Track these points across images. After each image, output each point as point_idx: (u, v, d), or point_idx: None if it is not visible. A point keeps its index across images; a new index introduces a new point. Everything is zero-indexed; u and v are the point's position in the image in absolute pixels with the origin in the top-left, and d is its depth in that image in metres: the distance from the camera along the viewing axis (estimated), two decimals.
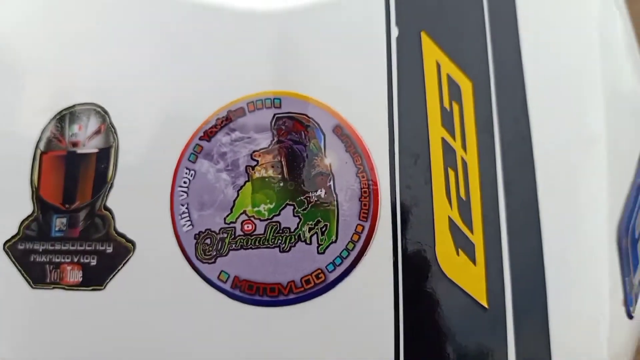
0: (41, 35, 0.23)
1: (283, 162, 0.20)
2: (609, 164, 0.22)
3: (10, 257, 0.21)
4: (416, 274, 0.20)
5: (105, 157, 0.21)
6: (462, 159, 0.21)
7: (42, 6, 0.23)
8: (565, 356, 0.20)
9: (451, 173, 0.20)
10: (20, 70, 0.23)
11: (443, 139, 0.21)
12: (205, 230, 0.20)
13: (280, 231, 0.19)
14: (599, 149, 0.22)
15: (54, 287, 0.21)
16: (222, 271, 0.19)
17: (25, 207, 0.22)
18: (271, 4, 0.21)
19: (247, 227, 0.20)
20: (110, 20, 0.22)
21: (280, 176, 0.20)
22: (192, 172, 0.20)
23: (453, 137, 0.21)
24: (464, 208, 0.20)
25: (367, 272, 0.19)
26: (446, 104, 0.21)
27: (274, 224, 0.20)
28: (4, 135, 0.22)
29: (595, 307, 0.21)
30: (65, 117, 0.22)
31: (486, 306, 0.20)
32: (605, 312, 0.21)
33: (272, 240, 0.19)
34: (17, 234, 0.22)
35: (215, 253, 0.20)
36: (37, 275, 0.21)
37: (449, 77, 0.21)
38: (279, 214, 0.20)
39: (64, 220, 0.21)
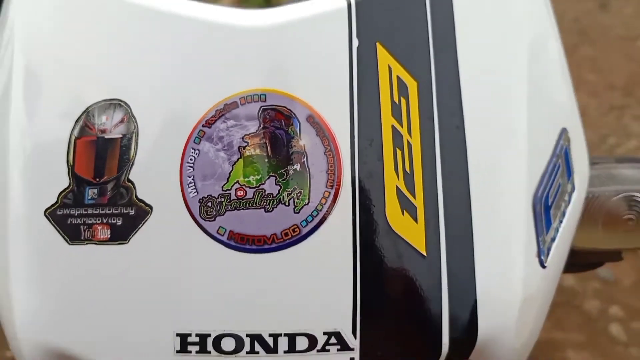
0: (77, 46, 0.28)
1: (267, 144, 0.26)
2: (529, 147, 0.28)
3: (50, 221, 0.27)
4: (370, 229, 0.25)
5: (127, 141, 0.27)
6: (408, 141, 0.26)
7: (76, 20, 0.29)
8: (488, 293, 0.26)
9: (399, 152, 0.26)
10: (59, 73, 0.28)
11: (393, 126, 0.26)
12: (207, 195, 0.25)
13: (265, 196, 0.25)
14: (520, 136, 0.28)
15: (87, 243, 0.26)
16: (220, 227, 0.25)
17: (63, 181, 0.27)
18: (260, 22, 0.27)
19: (240, 193, 0.25)
20: (132, 33, 0.28)
21: (265, 154, 0.25)
22: (197, 151, 0.26)
23: (400, 124, 0.26)
24: (408, 179, 0.26)
25: (332, 228, 0.25)
26: (395, 99, 0.27)
27: (260, 190, 0.25)
28: (46, 125, 0.28)
29: (513, 256, 0.26)
30: (95, 110, 0.27)
31: (425, 254, 0.25)
32: (521, 260, 0.26)
33: (259, 203, 0.25)
34: (56, 202, 0.27)
35: (215, 213, 0.25)
36: (73, 234, 0.26)
37: (398, 78, 0.27)
38: (264, 183, 0.25)
39: (95, 190, 0.26)
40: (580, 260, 0.38)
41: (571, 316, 1.82)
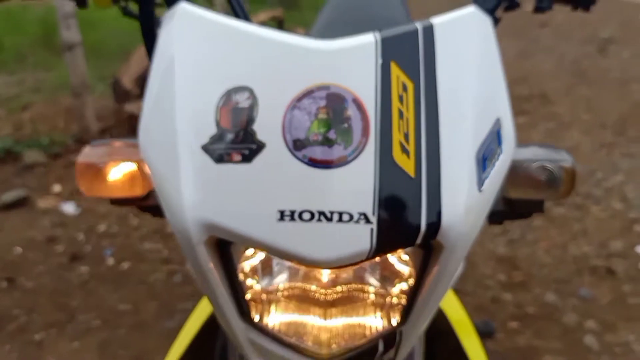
0: (218, 55, 0.50)
1: (330, 112, 0.47)
2: (476, 123, 0.49)
3: (204, 152, 0.48)
4: (384, 161, 0.46)
5: (250, 108, 0.48)
6: (406, 116, 0.47)
7: (214, 38, 0.50)
8: (448, 199, 0.46)
9: (401, 122, 0.47)
10: (211, 69, 0.50)
11: (398, 108, 0.48)
12: (297, 138, 0.46)
13: (328, 140, 0.46)
14: (471, 116, 0.49)
15: (227, 163, 0.47)
16: (303, 154, 0.46)
17: (212, 130, 0.48)
18: (329, 46, 0.48)
19: (314, 137, 0.46)
20: (249, 49, 0.49)
21: (329, 117, 0.46)
22: (291, 115, 0.47)
23: (402, 106, 0.48)
24: (406, 135, 0.47)
25: (364, 159, 0.46)
26: (400, 93, 0.48)
27: (326, 136, 0.46)
28: (205, 101, 0.49)
29: (463, 181, 0.47)
30: (232, 92, 0.49)
31: (413, 176, 0.46)
32: (467, 183, 0.47)
33: (325, 143, 0.46)
34: (208, 142, 0.48)
35: (301, 147, 0.46)
36: (218, 158, 0.47)
37: (402, 81, 0.48)
38: (328, 133, 0.46)
39: (232, 135, 0.48)
40: (515, 209, 0.59)
41: (551, 327, 2.00)
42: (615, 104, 4.01)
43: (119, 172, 0.57)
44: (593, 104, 4.03)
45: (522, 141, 0.56)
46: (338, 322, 0.56)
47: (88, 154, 0.59)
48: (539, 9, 0.67)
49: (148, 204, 0.62)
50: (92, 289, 2.24)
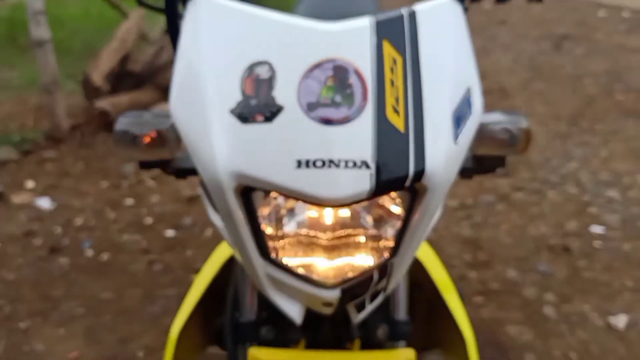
0: (240, 34, 0.60)
1: (337, 80, 0.57)
2: (452, 90, 0.61)
3: (231, 114, 0.58)
4: (379, 119, 0.57)
5: (270, 79, 0.58)
6: (397, 84, 0.59)
7: (236, 19, 0.61)
8: (430, 149, 0.58)
9: (392, 87, 0.58)
10: (236, 46, 0.60)
11: (390, 78, 0.59)
12: (309, 101, 0.57)
13: (336, 103, 0.57)
14: (448, 84, 0.61)
15: (251, 123, 0.57)
16: (316, 115, 0.57)
17: (238, 96, 0.58)
18: (335, 28, 0.59)
19: (324, 101, 0.57)
20: (265, 30, 0.60)
21: (336, 85, 0.57)
22: (305, 83, 0.57)
23: (392, 74, 0.59)
24: (397, 99, 0.58)
25: (364, 118, 0.57)
26: (391, 65, 0.59)
27: (333, 100, 0.57)
28: (232, 73, 0.59)
29: (442, 135, 0.58)
30: (254, 66, 0.59)
31: (403, 131, 0.57)
32: (445, 136, 0.59)
33: (332, 105, 0.57)
34: (235, 107, 0.58)
35: (313, 108, 0.57)
36: (244, 119, 0.57)
37: (393, 57, 0.59)
38: (335, 97, 0.57)
39: (255, 101, 0.58)
40: (482, 165, 0.71)
41: (512, 300, 2.16)
42: (569, 98, 4.23)
43: (149, 138, 0.67)
44: (548, 98, 4.25)
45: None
46: (340, 261, 0.66)
47: (122, 122, 0.68)
48: (500, 0, 0.80)
49: (172, 167, 0.71)
50: (73, 279, 2.29)
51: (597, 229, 2.54)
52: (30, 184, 3.06)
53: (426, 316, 1.02)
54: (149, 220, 2.71)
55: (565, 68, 4.83)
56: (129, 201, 2.89)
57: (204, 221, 2.67)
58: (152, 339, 1.95)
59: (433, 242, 1.09)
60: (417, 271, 0.99)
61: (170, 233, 2.60)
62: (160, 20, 4.53)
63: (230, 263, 1.00)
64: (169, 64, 3.92)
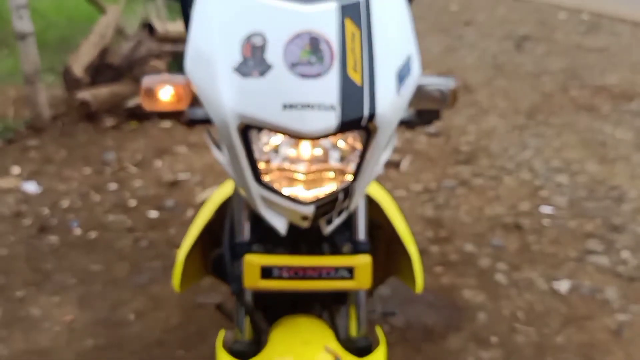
0: (239, 8, 0.80)
1: (312, 47, 0.77)
2: (397, 55, 0.82)
3: (234, 72, 0.78)
4: (342, 76, 0.77)
5: (263, 45, 0.78)
6: (356, 50, 0.79)
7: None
8: (380, 97, 0.78)
9: (353, 53, 0.78)
10: (236, 21, 0.80)
11: (351, 47, 0.79)
12: (292, 61, 0.76)
13: (311, 63, 0.77)
14: (392, 49, 0.81)
15: (249, 77, 0.77)
16: (295, 71, 0.77)
17: (238, 58, 0.78)
18: (304, 8, 0.79)
19: (303, 59, 0.77)
20: (259, 9, 0.80)
21: (311, 50, 0.77)
22: (289, 49, 0.77)
23: (353, 43, 0.79)
24: (355, 61, 0.78)
25: (333, 73, 0.76)
26: (352, 37, 0.80)
27: (310, 60, 0.77)
28: (234, 41, 0.79)
29: (388, 86, 0.80)
30: (251, 35, 0.78)
31: (360, 85, 0.78)
32: (391, 87, 0.80)
33: (309, 63, 0.77)
34: (236, 67, 0.78)
35: (293, 65, 0.76)
36: (244, 74, 0.77)
37: (352, 31, 0.80)
38: (311, 58, 0.77)
39: (252, 62, 0.78)
40: (422, 118, 0.93)
41: (469, 270, 2.40)
42: (527, 94, 4.52)
43: (167, 93, 0.86)
44: (509, 93, 4.53)
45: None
46: (315, 192, 0.87)
47: (147, 81, 0.87)
48: None
49: (184, 118, 0.91)
50: (63, 254, 2.44)
51: (546, 209, 2.79)
52: (15, 169, 3.18)
53: (386, 252, 1.23)
54: (132, 203, 2.87)
55: (525, 66, 5.13)
56: (113, 186, 3.04)
57: (186, 203, 2.84)
58: (141, 304, 2.12)
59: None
60: (379, 215, 1.21)
61: (153, 214, 2.77)
62: (137, 17, 4.67)
63: (224, 206, 1.20)
64: (147, 58, 4.08)
